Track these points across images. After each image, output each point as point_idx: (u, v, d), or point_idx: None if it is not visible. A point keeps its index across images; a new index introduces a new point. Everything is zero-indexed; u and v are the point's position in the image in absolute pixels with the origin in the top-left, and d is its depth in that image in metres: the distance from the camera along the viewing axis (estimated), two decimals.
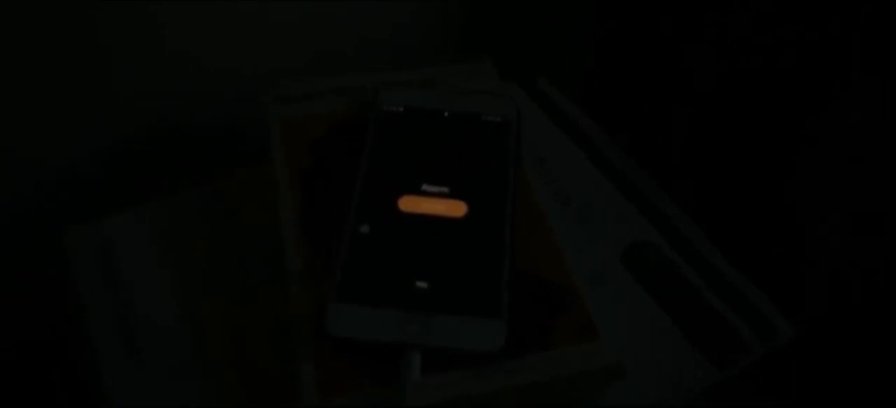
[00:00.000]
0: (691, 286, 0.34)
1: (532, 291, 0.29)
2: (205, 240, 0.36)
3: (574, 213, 0.37)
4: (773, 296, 0.34)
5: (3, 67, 0.39)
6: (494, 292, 0.27)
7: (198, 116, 0.47)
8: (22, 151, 0.42)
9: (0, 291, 0.46)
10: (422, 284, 0.27)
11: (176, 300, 0.34)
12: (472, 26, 0.53)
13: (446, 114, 0.33)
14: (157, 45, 0.42)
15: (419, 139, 0.32)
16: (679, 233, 0.36)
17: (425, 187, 0.30)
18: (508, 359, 0.26)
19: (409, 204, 0.30)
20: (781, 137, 0.43)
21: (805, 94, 0.42)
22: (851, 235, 0.40)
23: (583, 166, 0.39)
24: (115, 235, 0.36)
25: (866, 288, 0.40)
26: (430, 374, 0.26)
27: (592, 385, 0.28)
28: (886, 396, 0.39)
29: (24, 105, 0.41)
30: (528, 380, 0.26)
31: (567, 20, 0.53)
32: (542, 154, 0.39)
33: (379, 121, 0.33)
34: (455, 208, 0.29)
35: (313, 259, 0.29)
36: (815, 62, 0.42)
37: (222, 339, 0.33)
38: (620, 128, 0.43)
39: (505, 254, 0.28)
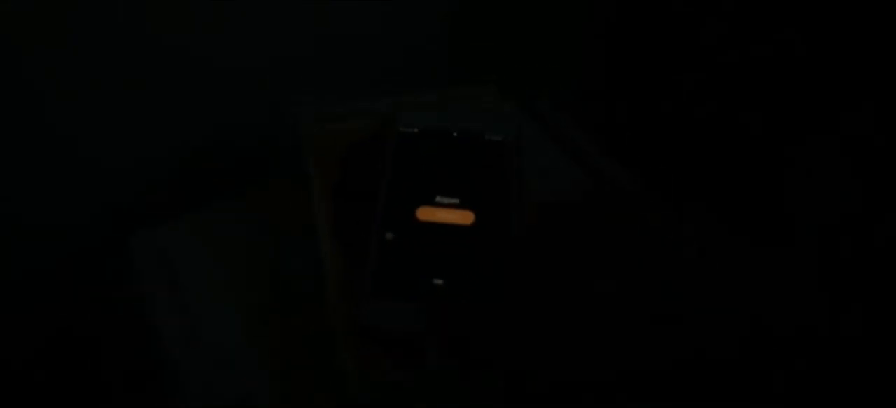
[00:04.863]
0: None
1: None
2: (251, 242, 0.42)
3: None
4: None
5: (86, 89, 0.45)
6: (499, 286, 0.33)
7: (244, 129, 0.53)
8: (102, 162, 0.49)
9: (66, 283, 0.52)
10: (438, 282, 0.33)
11: (227, 297, 0.40)
12: (471, 35, 0.58)
13: (455, 134, 0.38)
14: (213, 65, 0.49)
15: (432, 157, 0.37)
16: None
17: (439, 199, 0.36)
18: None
19: (426, 214, 0.35)
20: (774, 143, 0.47)
21: (795, 104, 0.46)
22: (839, 234, 0.44)
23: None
24: (171, 240, 0.42)
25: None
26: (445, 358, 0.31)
27: None
28: (863, 376, 0.42)
29: (100, 121, 0.47)
30: None
31: (567, 33, 0.57)
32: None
33: (398, 141, 0.38)
34: (465, 217, 0.35)
35: (345, 261, 0.35)
36: (805, 74, 0.45)
37: (270, 333, 0.38)
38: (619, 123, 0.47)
39: (508, 254, 0.34)
